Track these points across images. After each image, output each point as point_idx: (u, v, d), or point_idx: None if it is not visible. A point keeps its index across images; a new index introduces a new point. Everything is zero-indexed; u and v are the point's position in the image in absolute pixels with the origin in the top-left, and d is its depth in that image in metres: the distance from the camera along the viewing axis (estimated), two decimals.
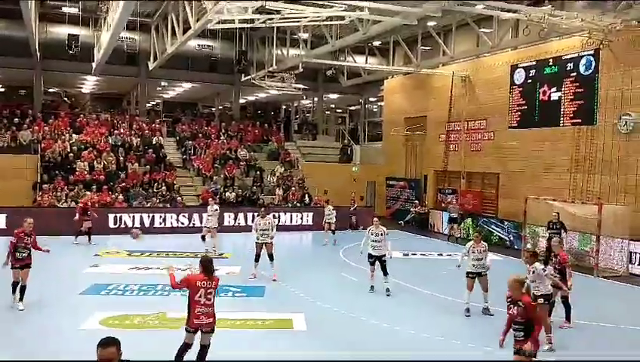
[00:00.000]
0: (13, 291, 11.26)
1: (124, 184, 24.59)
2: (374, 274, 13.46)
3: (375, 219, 14.06)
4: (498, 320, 11.12)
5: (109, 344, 4.56)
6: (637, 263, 16.88)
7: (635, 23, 16.92)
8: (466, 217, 24.14)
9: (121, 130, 28.32)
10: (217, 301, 8.02)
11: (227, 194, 25.53)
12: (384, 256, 13.34)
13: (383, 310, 12.11)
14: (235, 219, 23.98)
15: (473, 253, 12.14)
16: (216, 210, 18.78)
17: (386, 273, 13.33)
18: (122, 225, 22.20)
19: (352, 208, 25.58)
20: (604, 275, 16.70)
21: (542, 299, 10.08)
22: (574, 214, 17.76)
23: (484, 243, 12.43)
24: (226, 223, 23.65)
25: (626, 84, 18.30)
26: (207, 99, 39.36)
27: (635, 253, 16.95)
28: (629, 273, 16.89)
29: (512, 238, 21.49)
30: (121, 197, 23.73)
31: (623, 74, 18.35)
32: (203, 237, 18.98)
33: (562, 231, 16.96)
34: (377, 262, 13.34)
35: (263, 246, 14.57)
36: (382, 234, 13.40)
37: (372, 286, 13.51)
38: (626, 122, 18.15)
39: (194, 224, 22.87)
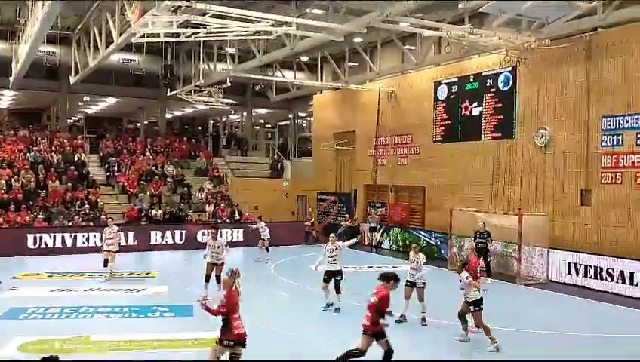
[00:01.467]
0: None
1: (44, 203, 23.58)
2: (327, 287, 13.30)
3: (332, 235, 14.13)
4: (431, 329, 11.57)
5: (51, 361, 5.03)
6: (556, 271, 17.63)
7: (549, 42, 17.76)
8: (392, 227, 24.68)
9: (41, 147, 27.23)
10: (144, 321, 7.78)
11: (154, 211, 24.91)
12: (340, 271, 13.30)
13: (315, 325, 12.10)
14: (162, 237, 23.43)
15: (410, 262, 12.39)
16: (118, 231, 17.40)
17: (338, 291, 13.20)
18: (42, 246, 21.32)
19: (309, 223, 26.84)
20: (527, 283, 17.36)
21: (473, 306, 10.49)
22: (496, 225, 18.38)
23: (422, 256, 12.53)
24: (153, 241, 23.20)
25: (541, 100, 19.23)
26: (133, 114, 38.46)
27: (554, 260, 17.71)
28: (548, 280, 17.61)
29: (439, 243, 21.96)
30: (40, 216, 22.72)
31: (538, 90, 19.29)
32: (105, 262, 16.82)
33: (489, 239, 17.59)
34: (332, 280, 13.20)
35: (214, 268, 14.32)
36: (337, 249, 13.46)
37: (327, 304, 13.28)
38: (542, 136, 19.05)
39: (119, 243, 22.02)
